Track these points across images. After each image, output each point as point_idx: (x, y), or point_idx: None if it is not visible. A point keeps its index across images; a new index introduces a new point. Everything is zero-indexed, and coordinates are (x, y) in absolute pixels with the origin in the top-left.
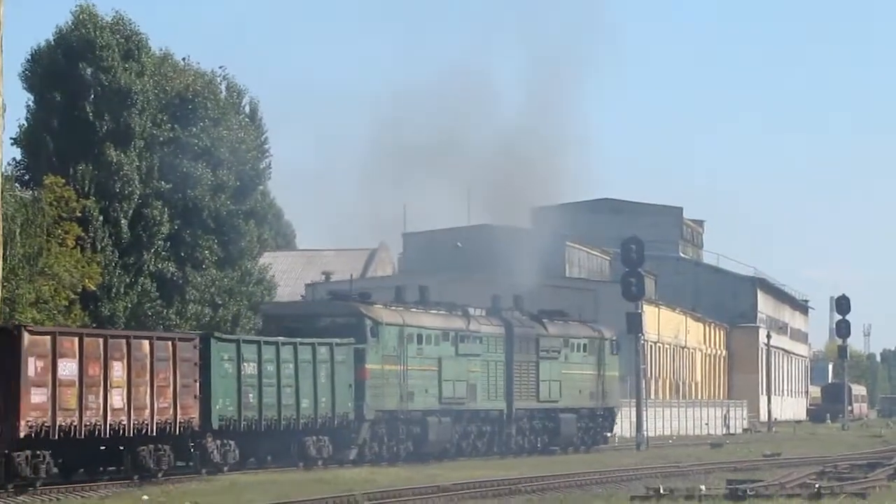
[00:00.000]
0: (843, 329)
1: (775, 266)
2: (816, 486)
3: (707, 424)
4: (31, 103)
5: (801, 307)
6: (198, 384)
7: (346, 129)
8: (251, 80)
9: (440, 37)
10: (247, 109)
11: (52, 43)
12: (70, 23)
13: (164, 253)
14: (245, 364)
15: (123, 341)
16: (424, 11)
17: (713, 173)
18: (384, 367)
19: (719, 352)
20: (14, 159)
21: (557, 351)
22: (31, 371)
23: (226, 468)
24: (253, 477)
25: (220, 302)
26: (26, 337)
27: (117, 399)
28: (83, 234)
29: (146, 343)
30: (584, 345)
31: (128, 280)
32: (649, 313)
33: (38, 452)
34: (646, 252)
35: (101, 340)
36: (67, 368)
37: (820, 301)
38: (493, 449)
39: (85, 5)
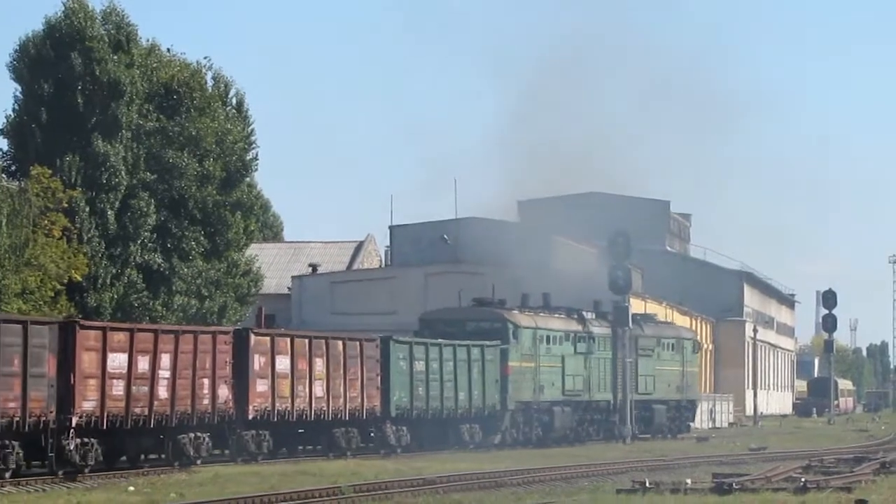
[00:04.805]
0: (829, 323)
1: (762, 260)
2: (802, 480)
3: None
4: (18, 93)
5: (788, 301)
6: (379, 378)
7: None
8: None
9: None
10: (233, 101)
11: (42, 33)
12: (60, 13)
13: (150, 244)
14: (416, 362)
15: (323, 341)
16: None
17: (700, 166)
18: (522, 365)
19: (705, 345)
20: (1, 150)
21: (652, 349)
22: (256, 366)
23: (399, 450)
24: (237, 469)
25: (206, 293)
26: (252, 338)
27: (319, 389)
28: (69, 224)
29: (340, 343)
30: (672, 344)
31: (114, 271)
32: (636, 306)
33: (260, 432)
34: (632, 245)
35: (306, 340)
36: (282, 363)
37: (806, 295)
38: (600, 435)
39: None
